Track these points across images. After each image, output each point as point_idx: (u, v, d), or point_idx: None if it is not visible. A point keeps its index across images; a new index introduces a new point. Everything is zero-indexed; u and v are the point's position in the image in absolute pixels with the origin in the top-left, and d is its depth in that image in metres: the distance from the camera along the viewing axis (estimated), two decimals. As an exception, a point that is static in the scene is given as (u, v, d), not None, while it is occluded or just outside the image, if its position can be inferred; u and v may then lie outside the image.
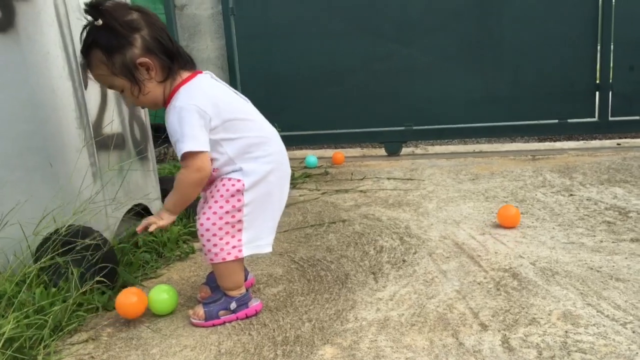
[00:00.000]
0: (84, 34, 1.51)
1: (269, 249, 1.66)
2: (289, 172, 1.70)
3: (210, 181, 1.62)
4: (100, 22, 1.46)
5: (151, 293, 1.71)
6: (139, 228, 1.59)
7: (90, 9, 1.46)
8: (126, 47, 1.47)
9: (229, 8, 4.00)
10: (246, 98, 1.68)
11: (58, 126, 1.83)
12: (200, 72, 1.60)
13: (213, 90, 1.58)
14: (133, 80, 1.51)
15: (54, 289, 1.71)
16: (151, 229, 1.56)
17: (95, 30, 1.48)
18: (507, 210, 2.28)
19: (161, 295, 1.71)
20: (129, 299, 1.67)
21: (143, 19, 1.50)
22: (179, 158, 1.52)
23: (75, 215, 1.83)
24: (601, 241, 2.07)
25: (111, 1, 1.47)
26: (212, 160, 1.56)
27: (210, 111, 1.51)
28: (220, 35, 4.08)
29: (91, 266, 1.75)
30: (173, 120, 1.50)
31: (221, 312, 1.64)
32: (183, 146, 1.48)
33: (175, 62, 1.55)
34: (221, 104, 1.55)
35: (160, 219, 1.58)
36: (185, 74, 1.58)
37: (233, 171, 1.58)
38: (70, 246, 1.73)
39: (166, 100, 1.57)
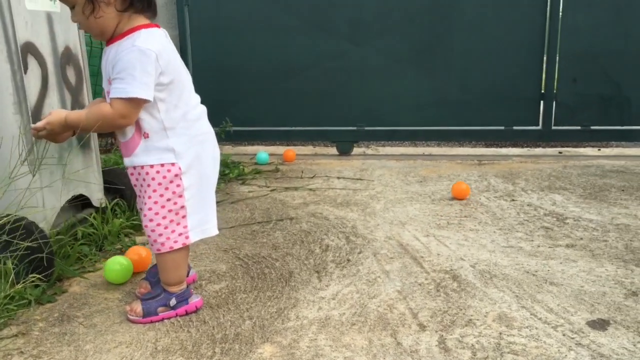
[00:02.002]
0: None
1: (215, 231, 1.64)
2: (219, 153, 1.67)
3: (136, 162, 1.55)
4: None
5: (107, 262, 1.84)
6: (33, 127, 1.59)
7: None
8: None
9: (183, -3, 3.92)
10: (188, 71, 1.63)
11: (-7, 111, 1.74)
12: (158, 26, 1.54)
13: (170, 47, 1.52)
14: None
15: (-18, 281, 1.64)
16: (42, 132, 1.56)
17: None
18: (459, 185, 2.81)
19: (114, 265, 1.82)
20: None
21: None
22: (112, 95, 1.44)
23: (10, 205, 1.75)
24: (538, 246, 2.14)
25: None
26: (142, 121, 1.50)
27: (163, 65, 1.46)
28: (174, 25, 3.99)
29: (25, 258, 1.68)
30: (126, 57, 1.42)
31: (160, 309, 1.61)
32: (130, 89, 1.41)
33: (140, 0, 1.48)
34: (172, 63, 1.50)
35: (52, 128, 1.56)
36: (144, 20, 1.51)
37: (165, 150, 1.51)
38: (2, 237, 1.66)
39: (114, 36, 1.49)
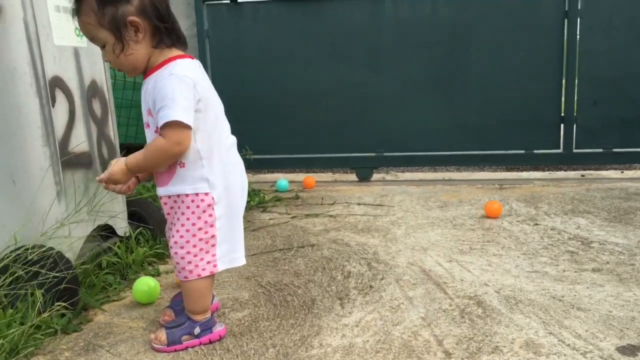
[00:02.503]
0: None
1: (243, 261, 1.65)
2: (247, 183, 1.69)
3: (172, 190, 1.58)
4: None
5: (135, 283, 1.94)
6: (98, 179, 1.55)
7: None
8: (122, 2, 1.45)
9: (204, 30, 4.01)
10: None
11: (22, 143, 1.79)
12: (192, 57, 1.57)
13: (203, 76, 1.55)
14: (118, 37, 1.47)
15: (11, 310, 1.66)
16: (107, 182, 1.53)
17: None
18: (492, 204, 2.89)
19: (142, 287, 1.92)
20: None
21: None
22: (160, 126, 1.46)
23: (37, 235, 1.78)
24: (564, 270, 2.11)
25: None
26: None
27: (200, 92, 1.49)
28: (195, 56, 4.07)
29: (51, 288, 1.71)
30: (165, 86, 1.45)
31: (184, 337, 1.61)
32: (173, 113, 1.43)
33: (167, 34, 1.52)
34: (207, 92, 1.54)
35: (117, 177, 1.53)
36: (176, 51, 1.55)
37: (200, 179, 1.54)
38: (30, 267, 1.69)
39: (148, 69, 1.53)
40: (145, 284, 1.93)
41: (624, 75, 3.67)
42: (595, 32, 3.66)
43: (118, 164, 1.53)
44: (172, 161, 1.53)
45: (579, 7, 3.63)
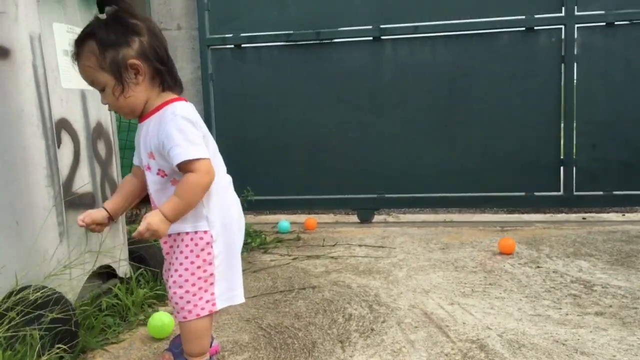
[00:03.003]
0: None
1: (242, 299, 1.64)
2: (244, 221, 1.69)
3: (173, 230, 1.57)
4: (104, 16, 1.48)
5: (151, 317, 2.02)
6: (135, 234, 1.46)
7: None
8: (122, 45, 1.47)
9: (208, 74, 4.09)
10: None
11: (27, 184, 1.81)
12: (187, 100, 1.59)
13: (200, 118, 1.57)
14: (119, 79, 1.48)
15: (9, 352, 1.65)
16: (146, 234, 1.44)
17: (96, 23, 1.49)
18: (506, 241, 3.00)
19: (156, 322, 2.00)
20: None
21: (147, 27, 1.51)
22: (178, 164, 1.45)
23: (39, 275, 1.78)
24: (567, 314, 2.09)
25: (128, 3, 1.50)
26: None
27: (203, 131, 1.52)
28: (199, 99, 4.15)
29: (51, 330, 1.69)
30: (170, 127, 1.46)
31: (183, 380, 1.60)
32: (188, 152, 1.44)
33: (166, 77, 1.54)
34: (206, 132, 1.56)
35: (156, 227, 1.44)
36: (172, 95, 1.57)
37: (199, 217, 1.54)
38: (30, 309, 1.68)
39: (146, 112, 1.55)
40: (159, 319, 1.99)
41: (622, 119, 3.71)
42: (592, 76, 3.73)
43: (155, 215, 1.46)
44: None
45: (575, 52, 3.71)
